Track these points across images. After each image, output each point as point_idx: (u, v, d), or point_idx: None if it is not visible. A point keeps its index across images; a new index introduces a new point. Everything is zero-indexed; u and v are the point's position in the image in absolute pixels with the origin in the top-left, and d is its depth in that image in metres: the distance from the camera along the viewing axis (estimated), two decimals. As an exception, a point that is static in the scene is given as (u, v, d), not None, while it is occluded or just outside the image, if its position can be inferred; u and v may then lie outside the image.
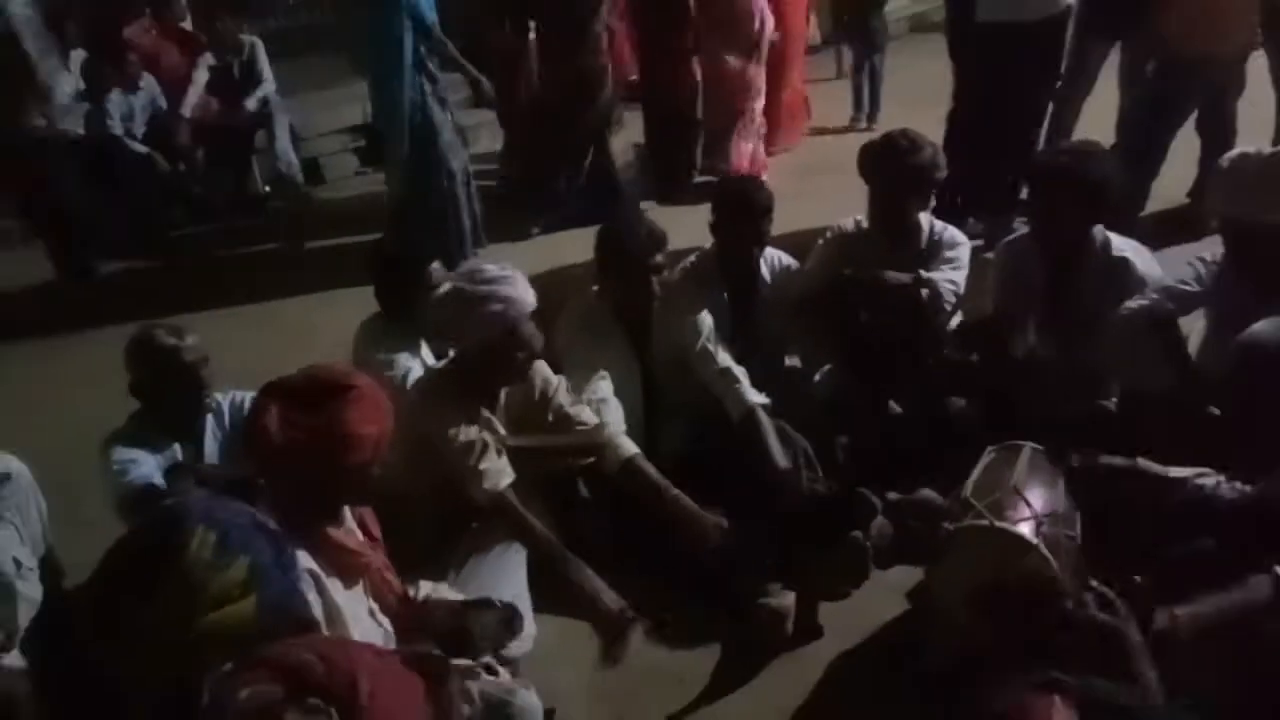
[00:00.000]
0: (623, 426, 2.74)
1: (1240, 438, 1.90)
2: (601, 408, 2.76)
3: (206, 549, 1.28)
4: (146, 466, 2.47)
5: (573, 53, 5.11)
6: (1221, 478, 2.06)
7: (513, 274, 2.45)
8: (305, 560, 1.83)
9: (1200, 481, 2.08)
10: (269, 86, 6.08)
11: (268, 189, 6.23)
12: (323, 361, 1.93)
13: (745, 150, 5.76)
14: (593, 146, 5.42)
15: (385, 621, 2.07)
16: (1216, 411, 2.25)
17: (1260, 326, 1.90)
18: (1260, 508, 1.85)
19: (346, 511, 1.99)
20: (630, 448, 2.67)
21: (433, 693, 1.53)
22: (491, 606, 2.11)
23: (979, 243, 3.71)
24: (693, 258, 3.18)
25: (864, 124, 6.66)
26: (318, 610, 1.85)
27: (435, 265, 2.97)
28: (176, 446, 2.57)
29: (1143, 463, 2.17)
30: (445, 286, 2.50)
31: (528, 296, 2.44)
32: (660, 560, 2.58)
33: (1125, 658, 1.41)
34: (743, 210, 3.03)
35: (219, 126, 6.00)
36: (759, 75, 5.66)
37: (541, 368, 2.71)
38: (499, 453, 2.48)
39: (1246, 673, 1.47)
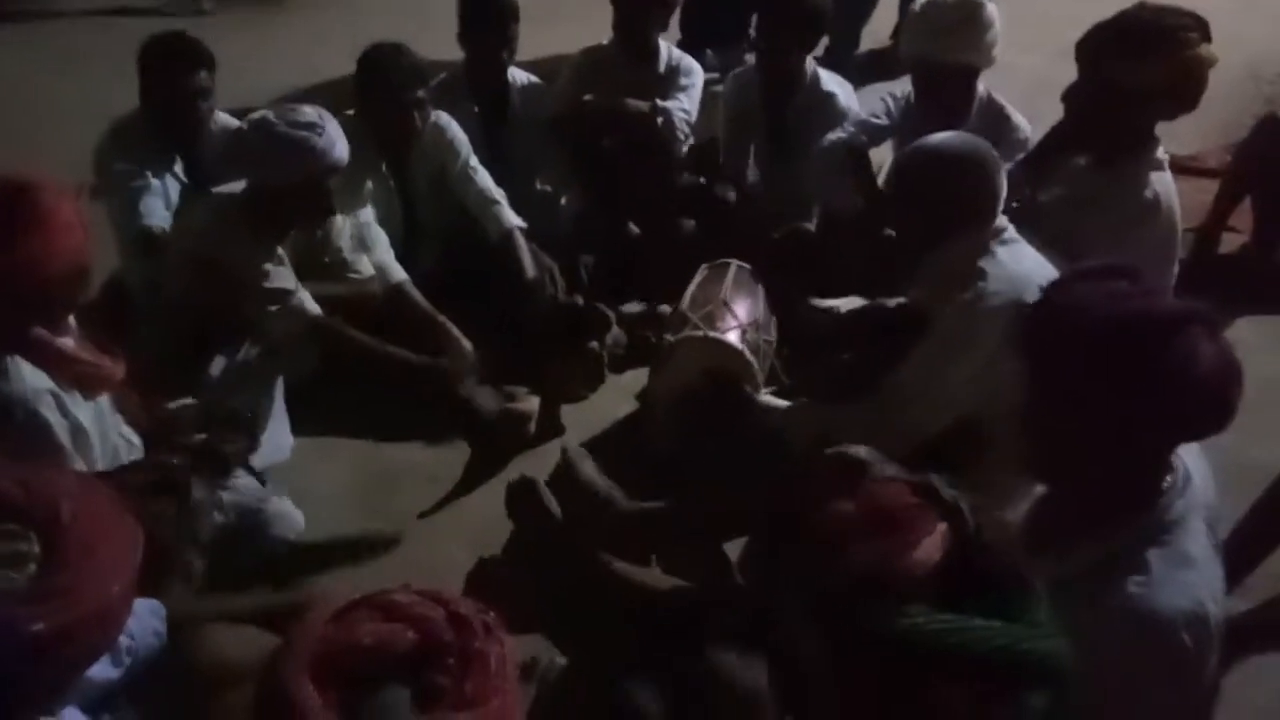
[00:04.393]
0: (389, 252, 2.61)
1: (898, 239, 1.98)
2: (364, 231, 2.60)
3: None
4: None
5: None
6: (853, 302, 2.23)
7: (329, 121, 2.19)
8: (41, 379, 1.67)
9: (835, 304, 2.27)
10: None
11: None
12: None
13: None
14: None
15: (132, 434, 1.94)
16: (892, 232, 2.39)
17: (937, 136, 1.95)
18: (910, 314, 2.01)
19: (72, 322, 1.78)
20: (398, 274, 2.57)
21: (151, 508, 1.45)
22: (236, 417, 2.01)
23: (714, 75, 3.70)
24: (442, 75, 2.96)
25: None
26: (62, 431, 1.70)
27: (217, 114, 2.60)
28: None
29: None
30: (253, 116, 2.22)
31: (339, 148, 2.19)
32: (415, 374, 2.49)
33: None
34: (490, 15, 2.83)
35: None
36: None
37: None
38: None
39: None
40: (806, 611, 0.90)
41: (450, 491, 2.35)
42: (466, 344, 2.49)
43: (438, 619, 0.87)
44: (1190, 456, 1.23)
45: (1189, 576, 1.14)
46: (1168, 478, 1.19)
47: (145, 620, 1.37)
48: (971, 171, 1.83)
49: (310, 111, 2.18)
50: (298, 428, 2.38)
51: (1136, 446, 1.15)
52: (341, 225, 2.52)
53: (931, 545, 0.87)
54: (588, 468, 2.02)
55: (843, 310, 2.27)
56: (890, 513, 0.89)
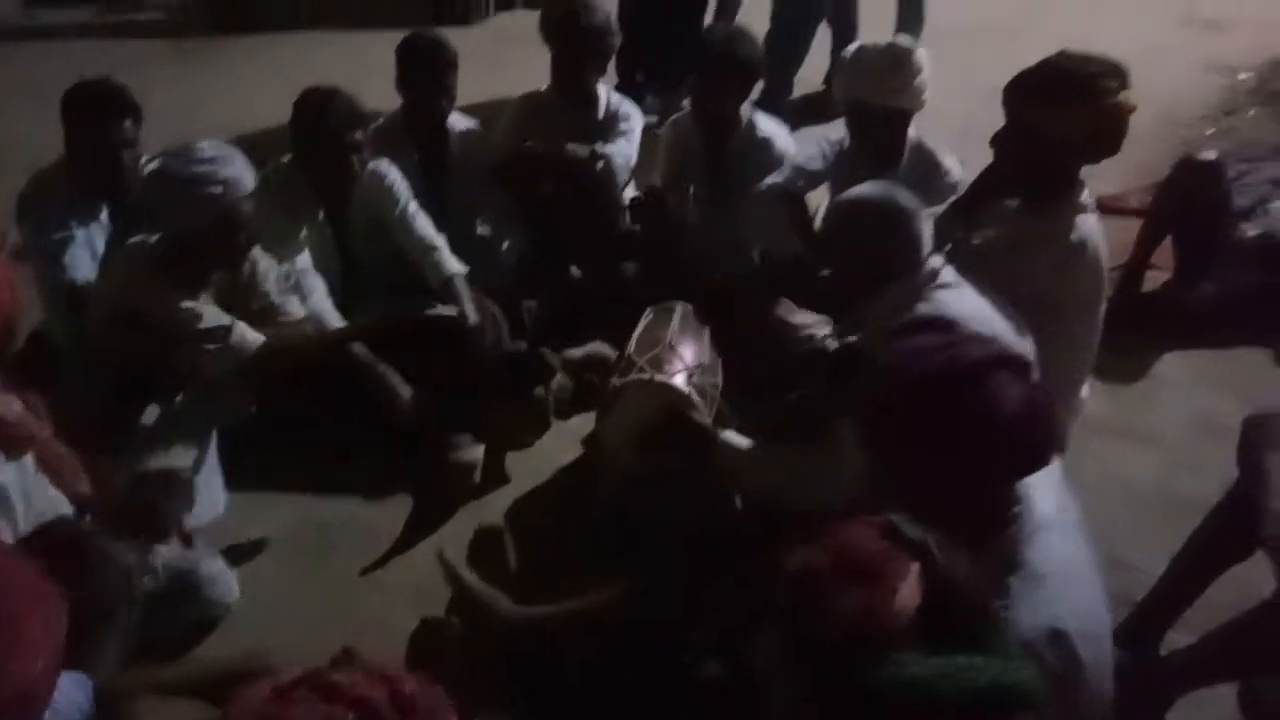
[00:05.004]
0: (327, 300, 2.60)
1: (834, 288, 2.04)
2: (301, 279, 2.58)
3: None
4: None
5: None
6: (828, 329, 2.27)
7: (230, 153, 2.17)
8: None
9: (811, 331, 2.27)
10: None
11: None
12: None
13: None
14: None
15: (59, 496, 1.86)
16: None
17: (857, 188, 2.03)
18: (853, 357, 2.06)
19: None
20: (336, 322, 2.55)
21: (74, 572, 1.40)
22: (172, 476, 1.95)
23: (654, 119, 3.76)
24: (380, 120, 2.96)
25: None
26: (-13, 494, 1.64)
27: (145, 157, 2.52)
28: None
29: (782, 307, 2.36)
30: (152, 165, 2.19)
31: (246, 178, 2.16)
32: (356, 425, 2.52)
33: None
34: (429, 64, 2.84)
35: None
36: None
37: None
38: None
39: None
40: (787, 663, 0.93)
41: (392, 547, 2.31)
42: (406, 391, 2.46)
43: (379, 700, 0.84)
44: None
45: (1041, 595, 1.20)
46: (1015, 506, 1.26)
47: (70, 695, 1.31)
48: (887, 222, 1.89)
49: (207, 146, 2.16)
50: (231, 482, 2.32)
51: (963, 488, 1.22)
52: (267, 269, 2.47)
53: (910, 590, 0.90)
54: (467, 573, 2.00)
55: (808, 324, 2.27)
56: (864, 560, 0.93)
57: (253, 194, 2.20)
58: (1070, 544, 1.28)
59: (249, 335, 2.23)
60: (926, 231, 1.93)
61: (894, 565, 0.92)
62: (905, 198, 1.97)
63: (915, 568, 0.92)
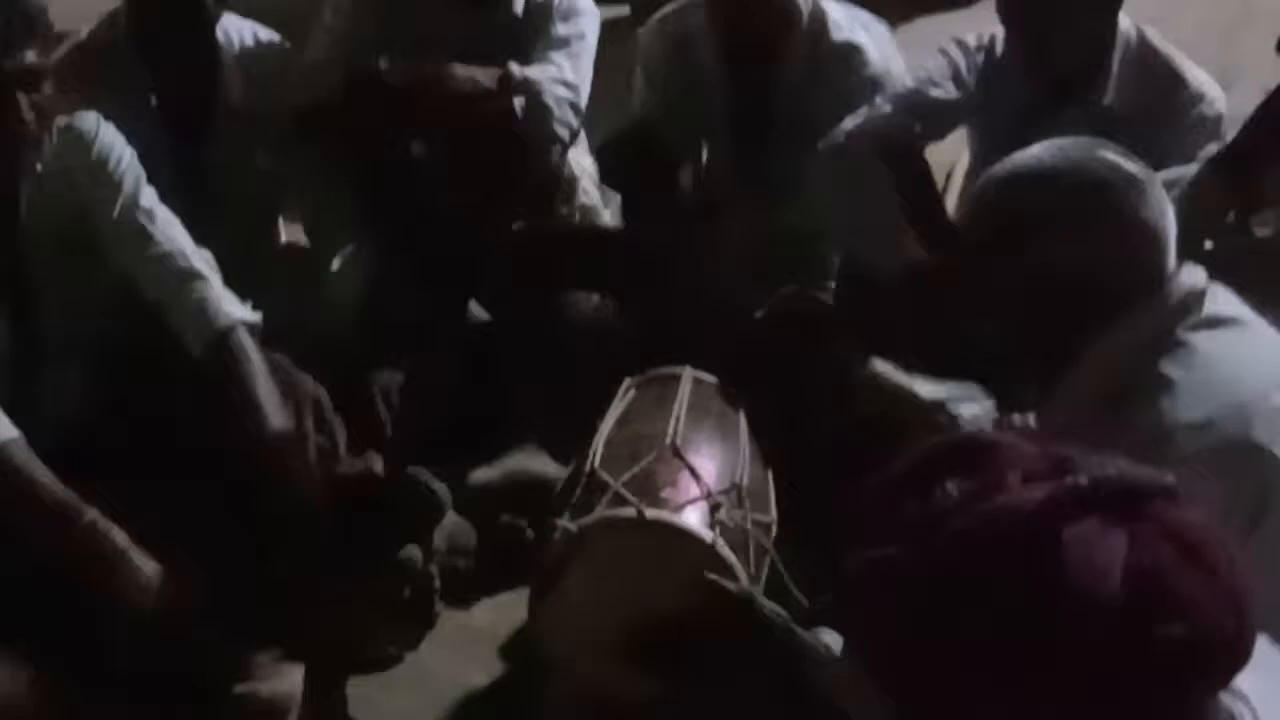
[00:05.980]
0: None
1: (991, 340, 2.05)
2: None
3: None
4: None
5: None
6: (989, 404, 2.33)
7: None
8: None
9: (961, 411, 2.33)
10: None
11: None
12: None
13: None
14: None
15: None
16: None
17: (1025, 154, 1.98)
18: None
19: None
20: (2, 430, 2.51)
21: None
22: None
23: (623, 10, 3.79)
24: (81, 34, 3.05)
25: None
26: None
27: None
28: None
29: (881, 368, 2.42)
30: None
31: None
32: (52, 636, 2.43)
33: None
34: None
35: None
36: None
37: None
38: None
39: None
40: None
41: None
42: (144, 566, 2.40)
43: None
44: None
45: None
46: None
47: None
48: (1100, 221, 1.85)
49: None
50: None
51: None
52: None
53: None
54: None
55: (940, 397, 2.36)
56: None
57: None
58: None
59: None
60: (1165, 225, 1.88)
61: None
62: (1129, 164, 1.90)
63: None
